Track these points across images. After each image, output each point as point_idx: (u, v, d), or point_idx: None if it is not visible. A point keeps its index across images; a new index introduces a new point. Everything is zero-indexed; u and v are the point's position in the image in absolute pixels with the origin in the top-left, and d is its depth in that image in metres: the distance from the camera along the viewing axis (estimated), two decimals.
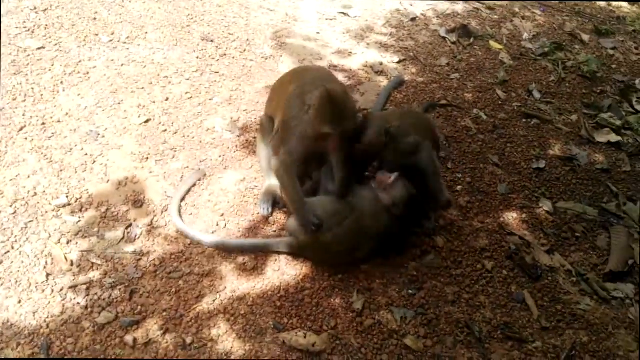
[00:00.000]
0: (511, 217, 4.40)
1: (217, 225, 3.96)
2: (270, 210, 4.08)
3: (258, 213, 4.07)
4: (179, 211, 3.96)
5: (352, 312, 3.55)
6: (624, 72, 6.48)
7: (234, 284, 3.61)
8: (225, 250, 3.80)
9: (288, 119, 3.73)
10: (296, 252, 3.81)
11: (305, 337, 3.33)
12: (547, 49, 6.45)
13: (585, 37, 6.94)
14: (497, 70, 5.97)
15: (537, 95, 5.77)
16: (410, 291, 3.73)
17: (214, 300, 3.49)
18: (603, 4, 7.96)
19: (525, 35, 6.70)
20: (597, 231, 4.43)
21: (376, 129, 3.86)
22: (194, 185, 4.19)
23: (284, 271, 3.73)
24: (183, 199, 4.07)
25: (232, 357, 3.23)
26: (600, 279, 4.07)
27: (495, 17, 6.97)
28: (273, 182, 4.08)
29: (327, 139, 3.58)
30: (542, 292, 3.90)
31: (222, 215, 4.02)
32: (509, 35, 6.67)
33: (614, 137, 5.37)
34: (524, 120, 5.41)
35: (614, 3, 8.03)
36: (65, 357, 3.09)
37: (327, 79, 3.89)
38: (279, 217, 4.08)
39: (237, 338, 3.32)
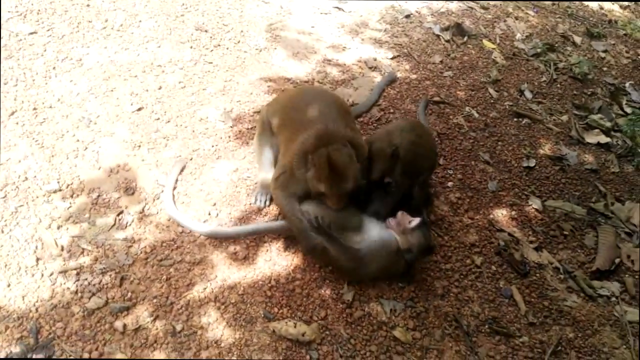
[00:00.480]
0: (501, 214, 4.43)
1: (209, 214, 3.95)
2: (267, 202, 4.08)
3: (251, 204, 4.07)
4: (173, 200, 3.96)
5: (342, 303, 3.56)
6: (615, 74, 6.53)
7: (225, 272, 3.61)
8: (223, 239, 3.82)
9: (292, 167, 3.78)
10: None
11: (295, 327, 3.34)
12: (540, 49, 6.48)
13: (577, 39, 6.98)
14: (489, 69, 6.00)
15: (528, 95, 5.81)
16: (400, 284, 3.75)
17: (204, 289, 3.49)
18: (595, 6, 8.01)
19: (518, 36, 6.74)
20: (585, 230, 4.47)
21: (381, 156, 3.90)
22: (180, 173, 4.18)
23: (275, 261, 3.74)
24: (174, 187, 4.07)
25: (222, 345, 3.24)
26: (587, 276, 4.11)
27: (489, 16, 7.00)
28: (268, 176, 4.09)
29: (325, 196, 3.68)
30: (529, 288, 3.94)
31: (214, 204, 4.02)
32: (502, 35, 6.70)
33: (603, 139, 5.42)
34: (515, 119, 5.44)
35: (606, 6, 8.08)
36: (68, 358, 3.08)
37: (335, 118, 3.93)
38: (272, 208, 4.08)
39: (227, 326, 3.33)
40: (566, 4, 7.80)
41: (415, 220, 3.67)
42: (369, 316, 3.53)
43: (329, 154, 3.56)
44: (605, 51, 6.91)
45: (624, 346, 3.72)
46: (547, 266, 4.12)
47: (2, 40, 4.98)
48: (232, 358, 3.19)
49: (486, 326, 3.65)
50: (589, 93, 6.09)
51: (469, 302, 3.77)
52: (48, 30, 5.24)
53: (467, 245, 4.12)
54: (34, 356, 3.03)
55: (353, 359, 3.31)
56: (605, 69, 6.60)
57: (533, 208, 4.54)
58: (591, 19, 7.58)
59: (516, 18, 7.10)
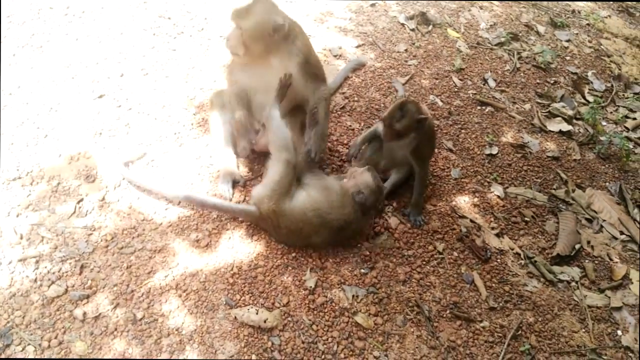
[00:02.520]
0: (463, 201, 4.47)
1: (169, 203, 3.93)
2: (231, 191, 4.07)
3: (215, 194, 4.05)
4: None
5: (305, 289, 3.58)
6: (577, 64, 6.61)
7: (186, 260, 3.61)
8: (191, 204, 3.90)
9: None
10: (255, 222, 3.83)
11: (257, 314, 3.35)
12: (504, 38, 6.53)
13: (541, 29, 7.05)
14: (453, 58, 6.03)
15: (492, 83, 5.85)
16: (362, 270, 3.78)
17: (165, 276, 3.49)
18: None
19: (483, 25, 6.78)
20: (545, 216, 4.54)
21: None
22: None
23: (237, 249, 3.74)
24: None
25: (183, 332, 3.24)
26: (548, 262, 4.18)
27: (454, 5, 7.03)
28: (229, 164, 4.12)
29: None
30: (490, 274, 3.99)
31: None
32: (466, 24, 6.74)
33: (565, 126, 5.49)
34: (478, 107, 5.49)
35: None
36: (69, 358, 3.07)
37: None
38: (235, 197, 4.08)
39: (188, 313, 3.32)
40: None
41: (365, 167, 3.88)
42: (331, 302, 3.55)
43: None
44: (568, 40, 6.98)
45: (583, 330, 3.80)
46: (508, 252, 4.18)
47: (1, 43, 4.92)
48: (194, 345, 3.19)
49: (447, 311, 3.70)
50: (551, 82, 6.16)
51: (430, 287, 3.81)
52: (8, 16, 5.16)
53: (429, 231, 4.16)
54: None
55: (315, 344, 3.33)
56: (568, 58, 6.67)
57: (495, 195, 4.59)
58: (555, 8, 7.65)
59: (481, 7, 7.14)
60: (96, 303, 3.28)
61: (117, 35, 5.25)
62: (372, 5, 6.61)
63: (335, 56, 5.63)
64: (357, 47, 5.85)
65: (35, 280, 3.32)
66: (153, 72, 4.93)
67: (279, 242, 3.81)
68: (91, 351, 3.09)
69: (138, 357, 3.10)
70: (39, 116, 4.29)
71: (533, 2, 7.61)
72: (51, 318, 3.16)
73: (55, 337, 3.09)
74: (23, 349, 3.03)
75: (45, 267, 3.39)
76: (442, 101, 5.41)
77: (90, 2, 5.58)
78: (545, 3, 7.68)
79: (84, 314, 3.21)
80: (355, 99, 5.14)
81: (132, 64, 4.97)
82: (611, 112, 5.99)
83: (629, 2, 8.26)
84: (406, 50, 5.99)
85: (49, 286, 3.30)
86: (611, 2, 8.38)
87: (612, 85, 6.37)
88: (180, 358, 3.14)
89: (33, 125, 4.21)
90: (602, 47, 7.09)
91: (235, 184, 4.13)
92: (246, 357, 3.21)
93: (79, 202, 3.79)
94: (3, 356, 2.99)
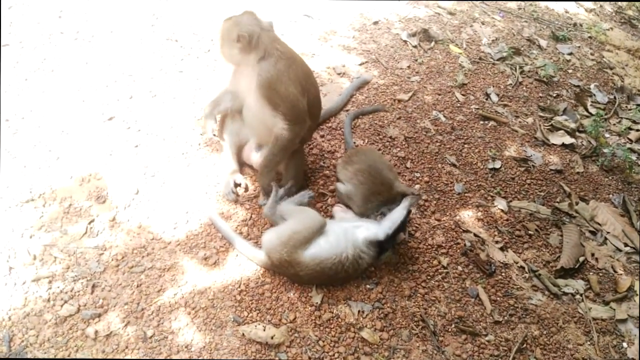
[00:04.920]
0: (467, 215, 4.53)
1: (178, 222, 4.00)
2: (235, 193, 4.21)
3: (222, 212, 4.13)
4: None
5: (311, 305, 3.64)
6: (580, 76, 6.67)
7: (195, 278, 3.67)
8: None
9: None
10: (268, 269, 3.84)
11: (264, 330, 3.41)
12: (506, 53, 6.60)
13: (543, 43, 7.11)
14: (456, 73, 6.10)
15: (494, 98, 5.91)
16: (368, 286, 3.84)
17: (175, 294, 3.55)
18: (560, 10, 8.15)
19: (485, 40, 6.84)
20: (549, 229, 4.59)
21: None
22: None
23: (244, 266, 3.80)
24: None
25: (192, 349, 3.30)
26: (552, 275, 4.23)
27: (456, 22, 7.10)
28: (230, 168, 4.30)
29: None
30: (495, 288, 4.04)
31: (187, 212, 4.07)
32: (468, 39, 6.81)
33: (568, 139, 5.54)
34: (481, 122, 5.54)
35: (571, 10, 8.24)
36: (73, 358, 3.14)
37: None
38: (243, 214, 4.15)
39: (197, 330, 3.39)
40: (532, 8, 7.94)
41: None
42: (337, 318, 3.61)
43: None
44: (570, 54, 7.04)
45: (588, 342, 3.84)
46: (512, 265, 4.22)
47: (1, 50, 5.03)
48: None
49: (453, 325, 3.75)
50: (554, 95, 6.22)
51: (435, 302, 3.86)
52: (20, 42, 5.27)
53: (434, 246, 4.21)
54: None
55: None
56: (570, 71, 6.74)
57: (498, 209, 4.64)
58: (556, 22, 7.72)
59: (482, 23, 7.21)
60: (107, 321, 3.35)
61: (125, 58, 5.35)
62: (375, 23, 6.70)
63: (339, 74, 5.71)
64: (360, 64, 5.92)
65: (49, 300, 3.39)
66: (161, 94, 5.02)
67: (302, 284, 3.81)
68: None
69: None
70: (50, 139, 4.38)
71: (534, 15, 7.67)
72: (64, 337, 3.23)
73: (69, 356, 3.15)
74: None
75: (58, 287, 3.46)
76: (445, 116, 5.47)
77: (100, 26, 5.69)
78: (547, 17, 7.74)
79: (96, 332, 3.27)
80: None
81: (140, 86, 5.06)
82: (614, 124, 6.04)
83: (632, 14, 8.32)
84: (409, 66, 6.06)
85: (61, 305, 3.37)
86: (614, 14, 8.44)
87: (614, 98, 6.43)
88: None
89: (45, 148, 4.30)
90: (604, 59, 7.16)
91: (236, 186, 4.25)
92: None
93: (90, 223, 3.87)
94: None
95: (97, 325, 3.32)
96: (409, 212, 3.88)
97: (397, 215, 3.81)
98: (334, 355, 3.43)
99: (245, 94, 4.02)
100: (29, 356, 3.12)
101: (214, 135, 4.29)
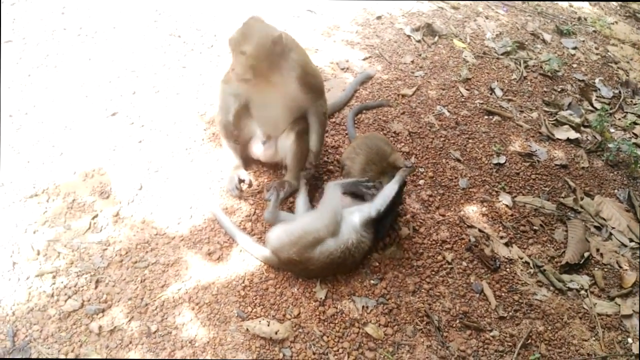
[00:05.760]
0: (471, 211, 4.51)
1: (181, 217, 4.00)
2: (239, 188, 4.20)
3: (225, 205, 4.13)
4: None
5: (315, 301, 3.63)
6: (584, 71, 6.65)
7: (199, 273, 3.67)
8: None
9: None
10: (272, 266, 3.82)
11: (268, 325, 3.40)
12: (510, 47, 6.57)
13: (547, 37, 7.09)
14: (460, 68, 6.08)
15: (499, 92, 5.89)
16: (372, 281, 3.83)
17: (179, 289, 3.55)
18: (565, 4, 8.12)
19: (489, 35, 6.82)
20: (554, 225, 4.57)
21: None
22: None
23: (248, 261, 3.79)
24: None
25: (196, 345, 3.29)
26: (557, 270, 4.21)
27: (460, 16, 7.08)
28: (234, 163, 4.29)
29: None
30: (500, 283, 4.03)
31: (191, 207, 4.07)
32: (472, 34, 6.79)
33: (573, 134, 5.52)
34: (485, 117, 5.53)
35: (575, 4, 8.20)
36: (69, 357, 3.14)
37: None
38: (247, 209, 4.15)
39: (201, 326, 3.38)
40: (536, 2, 7.91)
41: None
42: (341, 313, 3.60)
43: None
44: (574, 48, 7.02)
45: (593, 338, 3.82)
46: (517, 261, 4.21)
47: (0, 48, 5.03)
48: (206, 357, 3.25)
49: (457, 321, 3.73)
50: (558, 90, 6.19)
51: (440, 297, 3.85)
52: (23, 38, 5.27)
53: (438, 241, 4.20)
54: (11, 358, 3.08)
55: (326, 355, 3.38)
56: (575, 65, 6.71)
57: (503, 204, 4.62)
58: (561, 16, 7.69)
59: (486, 17, 7.19)
60: (111, 316, 3.35)
61: (128, 54, 5.34)
62: (378, 18, 6.68)
63: (342, 69, 5.69)
64: (364, 59, 5.91)
65: (52, 295, 3.39)
66: (164, 89, 5.02)
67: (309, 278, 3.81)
68: None
69: None
70: (54, 134, 4.38)
71: (538, 9, 7.65)
72: (68, 332, 3.23)
73: (72, 351, 3.15)
74: None
75: (62, 282, 3.46)
76: (449, 111, 5.46)
77: (103, 22, 5.69)
78: (551, 11, 7.72)
79: (100, 327, 3.27)
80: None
81: (144, 81, 5.06)
82: (619, 119, 6.02)
83: (637, 8, 8.28)
84: (412, 61, 6.04)
85: (65, 301, 3.37)
86: (618, 8, 8.41)
87: (619, 92, 6.40)
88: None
89: (48, 144, 4.30)
90: (609, 53, 7.13)
91: (240, 182, 4.24)
92: None
93: (93, 218, 3.86)
94: None
95: (101, 320, 3.31)
96: (402, 185, 3.89)
97: (388, 191, 3.84)
98: (338, 350, 3.42)
99: (262, 90, 3.96)
100: (32, 351, 3.12)
101: (236, 142, 4.26)
